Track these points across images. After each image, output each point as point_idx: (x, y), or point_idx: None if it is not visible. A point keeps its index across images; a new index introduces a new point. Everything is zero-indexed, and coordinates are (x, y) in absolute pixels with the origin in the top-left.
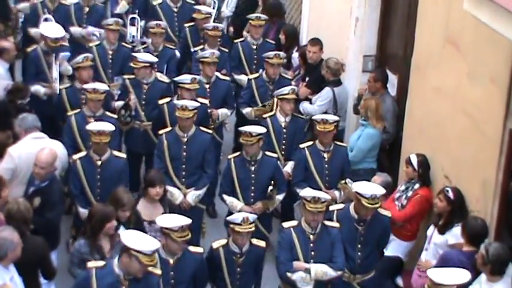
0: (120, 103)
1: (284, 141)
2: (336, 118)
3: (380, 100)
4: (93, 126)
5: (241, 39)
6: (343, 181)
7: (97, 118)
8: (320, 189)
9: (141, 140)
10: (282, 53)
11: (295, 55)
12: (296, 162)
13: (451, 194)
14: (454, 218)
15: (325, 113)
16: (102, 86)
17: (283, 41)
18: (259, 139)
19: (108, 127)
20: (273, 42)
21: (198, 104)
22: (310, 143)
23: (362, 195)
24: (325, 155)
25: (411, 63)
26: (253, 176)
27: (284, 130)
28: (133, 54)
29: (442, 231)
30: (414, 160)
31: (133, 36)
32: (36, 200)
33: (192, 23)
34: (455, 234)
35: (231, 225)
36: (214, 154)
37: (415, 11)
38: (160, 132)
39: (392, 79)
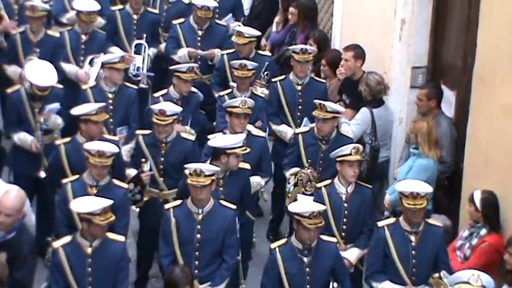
0: (130, 171)
1: (345, 219)
2: (430, 190)
3: (433, 122)
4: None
5: (281, 77)
6: (436, 274)
7: (101, 188)
8: (405, 285)
9: (160, 214)
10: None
11: (322, 67)
12: (372, 246)
13: None
14: None
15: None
16: (109, 148)
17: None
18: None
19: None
20: (323, 80)
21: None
22: (392, 220)
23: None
24: (413, 238)
25: (473, 75)
26: (307, 270)
27: (345, 204)
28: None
29: None
30: (477, 197)
31: (137, 68)
32: (2, 256)
33: (231, 50)
34: None
35: None
36: (237, 237)
37: (477, 10)
38: (167, 206)
39: (449, 96)
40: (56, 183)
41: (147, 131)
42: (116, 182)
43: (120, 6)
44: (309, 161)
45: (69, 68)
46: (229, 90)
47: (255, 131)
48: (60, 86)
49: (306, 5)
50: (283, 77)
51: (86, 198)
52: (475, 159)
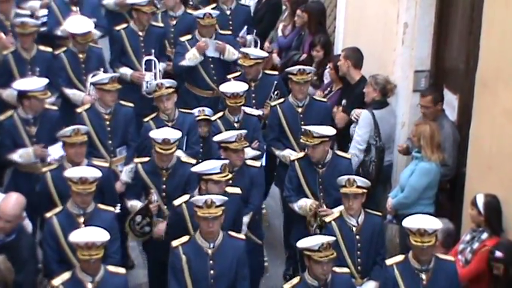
0: (134, 203)
1: (359, 252)
2: (438, 226)
3: (436, 125)
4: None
5: (281, 100)
6: None
7: (88, 216)
8: None
9: (165, 245)
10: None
11: (327, 71)
12: (382, 286)
13: None
14: None
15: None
16: (92, 173)
17: (320, 57)
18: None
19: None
20: (325, 100)
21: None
22: (401, 258)
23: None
24: (424, 276)
25: (476, 79)
26: None
27: (357, 237)
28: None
29: None
30: (480, 201)
31: (150, 84)
32: (3, 260)
33: (237, 74)
34: None
35: None
36: (248, 269)
37: (480, 13)
38: (174, 243)
39: (452, 100)
40: (47, 209)
41: (146, 159)
42: (102, 206)
43: (124, 25)
44: (310, 187)
45: (74, 93)
46: (221, 114)
47: (250, 161)
48: (55, 108)
49: (316, 8)
50: (282, 100)
51: (87, 229)
52: (477, 163)
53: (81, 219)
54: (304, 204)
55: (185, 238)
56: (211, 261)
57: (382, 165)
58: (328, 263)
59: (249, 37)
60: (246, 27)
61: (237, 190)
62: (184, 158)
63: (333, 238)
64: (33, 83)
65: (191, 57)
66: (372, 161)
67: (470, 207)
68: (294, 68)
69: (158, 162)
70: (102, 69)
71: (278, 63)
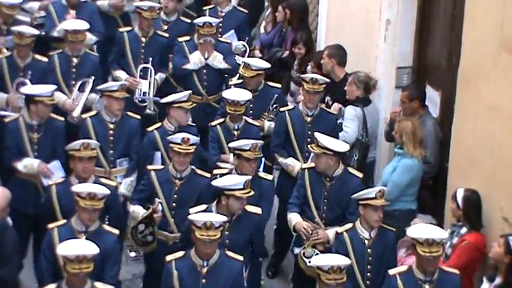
0: (137, 209)
1: (369, 266)
2: (445, 236)
3: (418, 121)
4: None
5: (290, 107)
6: None
7: (90, 234)
8: None
9: (164, 256)
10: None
11: (309, 68)
12: None
13: None
14: None
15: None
16: (101, 190)
17: (302, 54)
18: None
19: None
20: (335, 112)
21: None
22: (404, 268)
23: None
24: (427, 287)
25: (457, 76)
26: None
27: (369, 250)
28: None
29: None
30: (460, 195)
31: (144, 93)
32: None
33: (239, 81)
34: None
35: None
36: None
37: (462, 9)
38: (169, 258)
39: (434, 96)
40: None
41: (160, 166)
42: (106, 227)
43: (128, 28)
44: (314, 199)
45: (58, 96)
46: (221, 120)
47: (263, 174)
48: (62, 119)
49: (298, 5)
50: (292, 106)
51: (75, 242)
52: (459, 159)
53: (83, 237)
54: (294, 221)
55: (180, 253)
56: (203, 280)
57: (364, 162)
58: (336, 286)
59: (236, 43)
60: (232, 31)
61: (258, 210)
62: (199, 171)
63: (347, 262)
64: (41, 87)
65: (196, 61)
66: (354, 157)
67: (451, 201)
68: (307, 76)
69: (177, 166)
70: (93, 78)
71: None
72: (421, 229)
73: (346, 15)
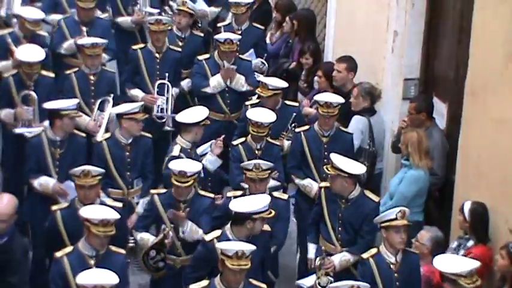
0: (145, 236)
1: None
2: (477, 265)
3: (424, 132)
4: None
5: (306, 127)
6: None
7: (100, 258)
8: None
9: (174, 282)
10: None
11: (317, 79)
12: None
13: None
14: None
15: None
16: (112, 215)
17: (310, 64)
18: None
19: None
20: (351, 132)
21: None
22: None
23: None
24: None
25: (465, 88)
26: None
27: (396, 275)
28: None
29: None
30: (467, 208)
31: (161, 109)
32: None
33: (256, 101)
34: None
35: None
36: None
37: (469, 22)
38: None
39: (441, 108)
40: (52, 251)
41: (163, 190)
42: (113, 248)
43: (141, 45)
44: (330, 219)
45: (78, 118)
46: (243, 139)
47: (277, 193)
48: (83, 135)
49: (306, 16)
50: (307, 127)
51: (92, 272)
52: (466, 171)
53: (92, 261)
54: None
55: (204, 283)
56: None
57: (373, 170)
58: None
59: (255, 61)
60: (252, 50)
61: (267, 227)
62: (202, 191)
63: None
64: (66, 102)
65: (215, 85)
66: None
67: (458, 213)
68: (321, 100)
69: (175, 195)
70: (112, 95)
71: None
72: (449, 262)
73: (354, 27)
